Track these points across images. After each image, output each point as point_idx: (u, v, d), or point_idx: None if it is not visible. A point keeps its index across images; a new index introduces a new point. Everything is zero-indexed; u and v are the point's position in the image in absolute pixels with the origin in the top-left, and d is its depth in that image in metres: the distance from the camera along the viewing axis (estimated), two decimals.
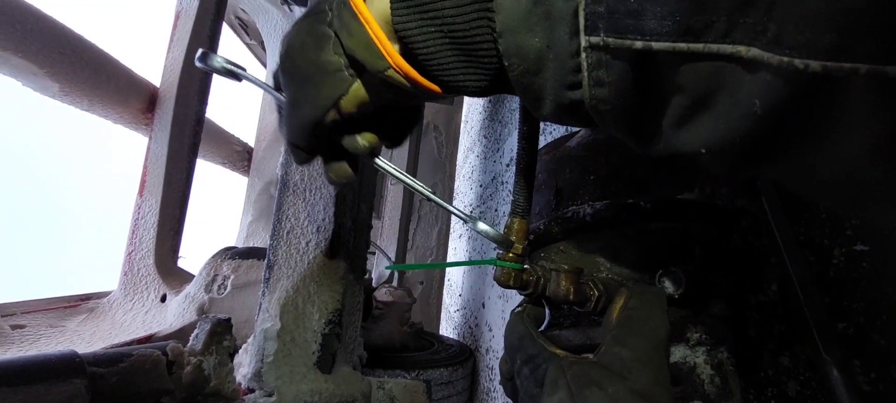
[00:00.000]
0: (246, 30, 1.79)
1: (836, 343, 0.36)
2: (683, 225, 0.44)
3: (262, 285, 0.75)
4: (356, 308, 0.82)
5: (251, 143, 1.80)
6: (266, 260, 0.75)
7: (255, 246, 1.43)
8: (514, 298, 1.49)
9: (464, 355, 1.55)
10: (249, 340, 0.77)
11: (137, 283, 1.22)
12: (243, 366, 0.73)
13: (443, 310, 2.30)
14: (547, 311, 0.45)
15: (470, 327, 1.97)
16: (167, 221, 1.24)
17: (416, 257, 2.14)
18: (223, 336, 0.66)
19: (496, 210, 1.79)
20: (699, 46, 0.21)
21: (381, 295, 1.53)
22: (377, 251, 1.93)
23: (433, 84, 0.31)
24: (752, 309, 0.43)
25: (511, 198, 0.43)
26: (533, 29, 0.25)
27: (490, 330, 1.67)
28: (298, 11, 1.47)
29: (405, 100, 0.35)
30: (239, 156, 1.79)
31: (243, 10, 1.67)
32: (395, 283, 1.86)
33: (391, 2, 0.29)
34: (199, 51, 0.38)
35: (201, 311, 1.04)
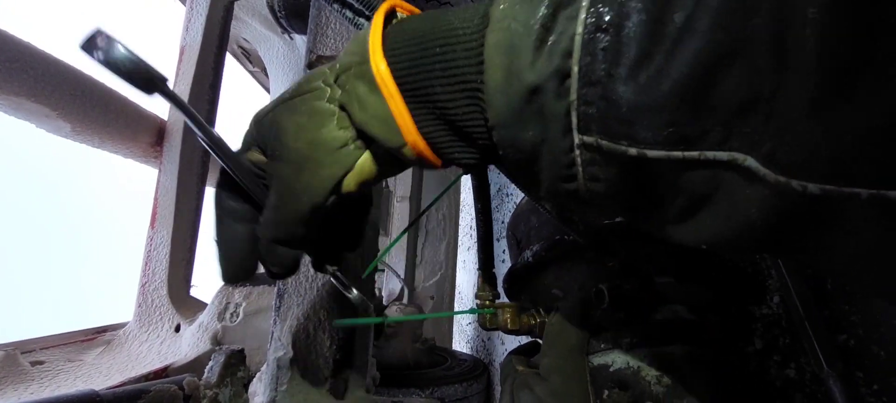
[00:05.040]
0: (249, 58, 1.83)
1: (837, 356, 0.36)
2: (626, 244, 0.50)
3: (273, 313, 0.77)
4: (367, 330, 0.83)
5: None
6: (276, 289, 0.77)
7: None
8: None
9: (478, 369, 1.54)
10: (263, 368, 0.78)
11: (152, 314, 1.24)
12: (258, 395, 0.74)
13: (455, 324, 2.30)
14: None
15: (483, 340, 1.96)
16: (179, 252, 1.27)
17: (426, 272, 2.14)
18: (237, 367, 0.67)
19: (502, 222, 1.80)
20: (694, 154, 0.20)
21: (393, 313, 1.54)
22: (386, 269, 1.93)
23: (435, 157, 0.30)
24: (756, 321, 0.43)
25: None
26: (526, 124, 0.24)
27: (502, 343, 1.67)
28: (299, 39, 1.50)
29: (395, 173, 0.34)
30: None
31: (245, 40, 1.71)
32: (405, 300, 1.87)
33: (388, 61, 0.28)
34: (91, 33, 0.26)
35: (215, 340, 1.06)
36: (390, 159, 0.31)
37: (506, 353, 1.64)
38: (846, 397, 0.35)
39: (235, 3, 1.41)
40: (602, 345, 0.46)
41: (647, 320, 0.47)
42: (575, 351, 0.43)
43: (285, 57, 1.63)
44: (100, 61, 0.26)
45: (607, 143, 0.22)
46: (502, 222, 1.80)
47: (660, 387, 0.42)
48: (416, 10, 0.32)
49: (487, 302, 0.53)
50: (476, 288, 0.54)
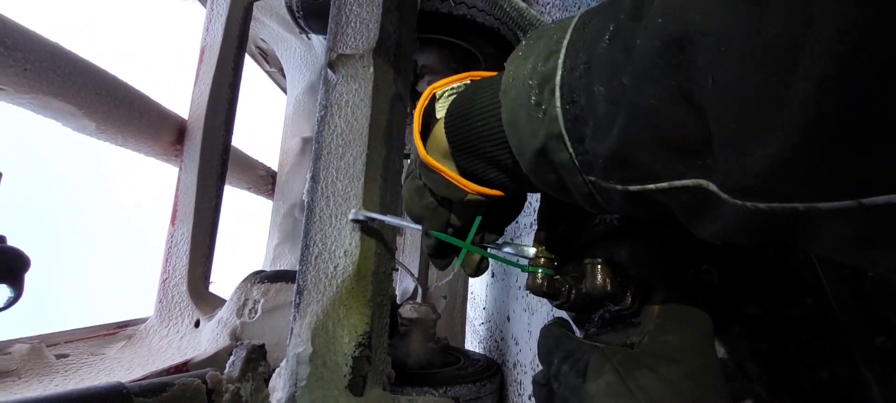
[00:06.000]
0: (266, 58, 1.85)
1: (876, 359, 0.35)
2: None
3: (292, 310, 0.77)
4: (383, 329, 0.83)
5: (274, 168, 1.84)
6: (296, 286, 0.77)
7: (283, 268, 1.46)
8: (540, 311, 1.48)
9: (491, 369, 1.54)
10: (282, 364, 0.78)
11: (172, 310, 1.26)
12: (277, 391, 0.75)
13: (467, 324, 2.29)
14: (575, 329, 0.46)
15: (496, 340, 1.96)
16: (199, 248, 1.29)
17: (439, 271, 2.14)
18: (258, 362, 0.68)
19: (528, 203, 1.79)
20: (664, 185, 0.24)
21: (406, 311, 1.54)
22: (400, 268, 1.94)
23: (498, 191, 0.39)
24: (787, 324, 0.42)
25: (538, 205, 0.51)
26: (546, 172, 0.31)
27: (516, 343, 1.66)
28: (316, 39, 1.51)
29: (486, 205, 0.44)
30: (263, 180, 1.83)
31: (263, 40, 1.73)
32: (419, 299, 1.87)
33: (448, 136, 0.39)
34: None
35: (234, 336, 1.07)
36: (471, 205, 0.42)
37: (519, 353, 1.63)
38: (883, 400, 0.34)
39: (255, 4, 1.43)
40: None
41: (747, 313, 0.43)
42: (710, 336, 0.35)
43: (302, 57, 1.65)
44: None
45: (602, 183, 0.28)
46: (528, 203, 1.79)
47: (761, 386, 0.39)
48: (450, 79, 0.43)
49: (544, 261, 0.43)
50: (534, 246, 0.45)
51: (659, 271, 0.42)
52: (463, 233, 0.45)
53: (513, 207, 0.50)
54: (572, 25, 0.29)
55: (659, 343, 0.34)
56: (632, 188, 0.26)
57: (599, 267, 0.41)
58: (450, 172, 0.39)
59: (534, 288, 0.42)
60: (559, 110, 0.28)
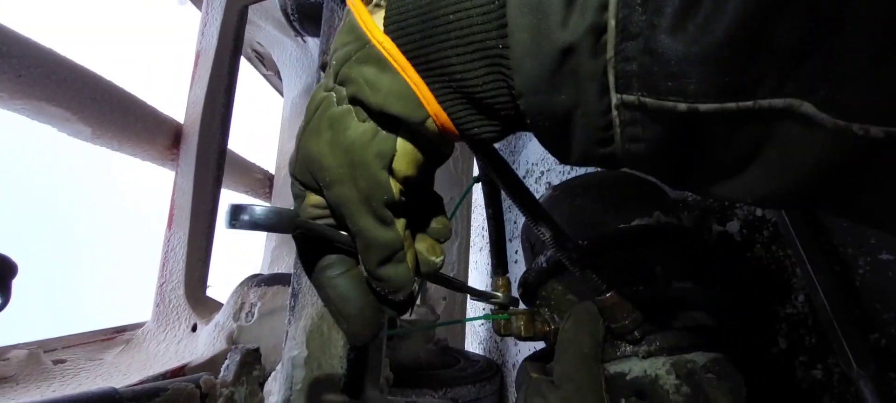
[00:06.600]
0: (263, 62, 1.85)
1: (869, 356, 0.35)
2: (632, 252, 0.49)
3: (287, 313, 0.77)
4: (383, 330, 0.83)
5: (272, 171, 1.84)
6: (291, 289, 0.77)
7: (279, 272, 1.45)
8: None
9: (491, 370, 1.53)
10: (278, 367, 0.78)
11: (169, 314, 1.25)
12: (273, 394, 0.75)
13: (467, 325, 2.29)
14: None
15: (495, 341, 1.95)
16: (195, 252, 1.28)
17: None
18: (253, 365, 0.68)
19: (515, 222, 1.79)
20: (749, 104, 0.19)
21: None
22: None
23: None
24: (781, 321, 0.42)
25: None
26: (558, 88, 0.23)
27: (516, 344, 1.66)
28: (311, 42, 1.51)
29: (437, 160, 0.32)
30: (260, 183, 1.83)
31: (260, 44, 1.73)
32: (418, 300, 1.87)
33: (391, 36, 0.26)
34: (229, 208, 0.28)
35: (231, 339, 1.07)
36: (421, 141, 0.29)
37: (519, 354, 1.63)
38: (878, 398, 0.33)
39: (250, 7, 1.43)
40: (618, 353, 0.45)
41: (665, 327, 0.46)
42: (589, 359, 0.42)
43: (298, 60, 1.65)
44: (249, 227, 0.28)
45: (653, 101, 0.20)
46: (515, 223, 1.79)
47: (679, 397, 0.41)
48: None
49: (497, 310, 0.52)
50: (496, 289, 0.54)
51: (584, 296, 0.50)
52: (406, 211, 0.30)
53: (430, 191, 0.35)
54: None
55: (554, 371, 0.43)
56: (703, 107, 0.19)
57: (518, 317, 0.53)
58: (416, 77, 0.26)
59: (499, 333, 0.54)
60: None
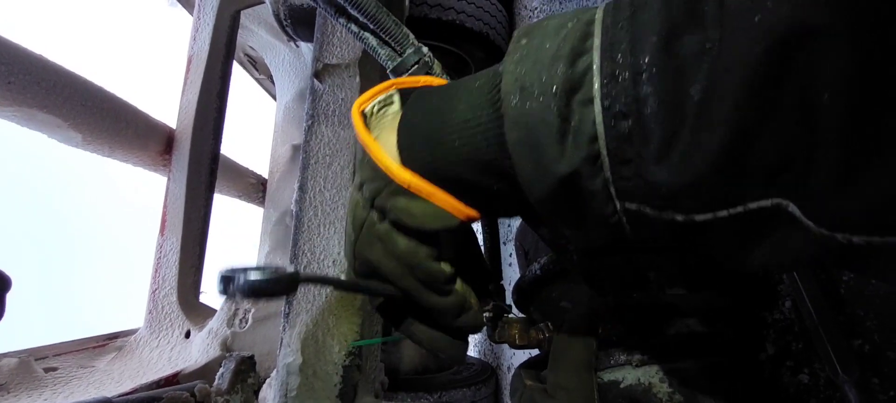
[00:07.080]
0: (255, 66, 1.84)
1: (853, 361, 0.35)
2: (626, 258, 0.50)
3: (282, 320, 0.77)
4: (375, 337, 0.83)
5: (265, 175, 1.84)
6: (285, 296, 0.77)
7: None
8: None
9: (486, 373, 1.54)
10: (273, 374, 0.78)
11: (162, 320, 1.25)
12: (268, 401, 0.75)
13: None
14: None
15: (490, 344, 1.96)
16: (188, 258, 1.28)
17: None
18: (247, 373, 0.68)
19: (509, 225, 1.79)
20: (740, 209, 0.21)
21: None
22: None
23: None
24: (768, 327, 0.43)
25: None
26: (567, 200, 0.25)
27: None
28: (304, 47, 1.51)
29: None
30: (253, 188, 1.83)
31: (252, 48, 1.73)
32: None
33: (405, 162, 0.31)
34: (219, 277, 0.27)
35: (224, 346, 1.07)
36: (456, 230, 0.33)
37: (514, 358, 1.63)
38: (862, 402, 0.34)
39: (242, 12, 1.43)
40: (612, 361, 0.45)
41: (658, 334, 0.46)
42: (582, 367, 0.42)
43: (291, 64, 1.65)
44: (246, 296, 0.27)
45: (652, 212, 0.23)
46: (509, 225, 1.80)
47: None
48: (375, 92, 0.35)
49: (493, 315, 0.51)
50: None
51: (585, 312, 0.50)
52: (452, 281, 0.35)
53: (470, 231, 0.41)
54: (598, 21, 0.24)
55: (548, 381, 0.42)
56: (699, 217, 0.22)
57: (511, 324, 0.51)
58: (444, 198, 0.30)
59: (493, 340, 0.51)
60: (601, 127, 0.23)
